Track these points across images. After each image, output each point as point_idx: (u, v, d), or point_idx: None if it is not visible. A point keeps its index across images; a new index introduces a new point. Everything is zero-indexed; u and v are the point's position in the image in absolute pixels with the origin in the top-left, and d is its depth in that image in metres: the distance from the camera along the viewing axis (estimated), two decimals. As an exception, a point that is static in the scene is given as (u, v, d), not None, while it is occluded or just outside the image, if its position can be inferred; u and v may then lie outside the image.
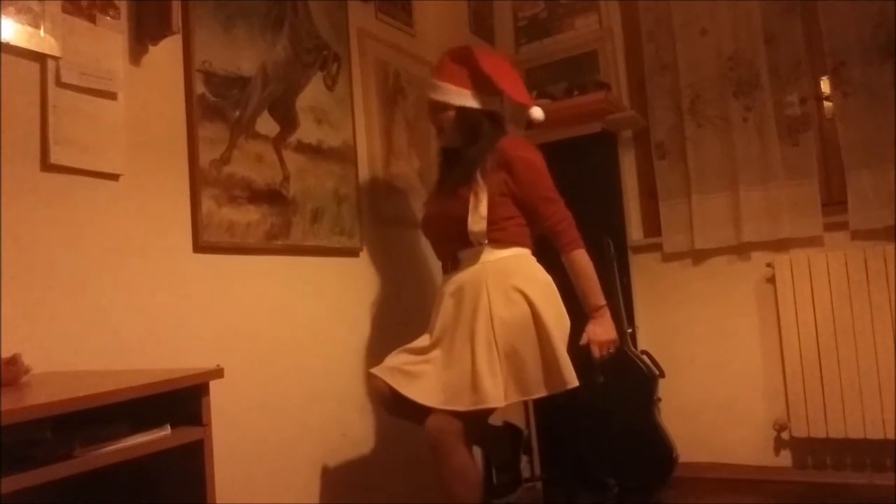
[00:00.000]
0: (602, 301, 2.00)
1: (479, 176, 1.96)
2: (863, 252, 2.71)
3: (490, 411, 1.87)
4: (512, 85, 2.05)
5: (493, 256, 1.96)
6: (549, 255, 2.01)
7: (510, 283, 1.90)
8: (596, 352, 1.97)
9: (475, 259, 1.97)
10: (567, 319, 1.95)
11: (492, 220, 1.94)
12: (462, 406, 1.81)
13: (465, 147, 2.02)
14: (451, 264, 2.05)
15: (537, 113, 2.09)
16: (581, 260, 1.98)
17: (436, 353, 1.94)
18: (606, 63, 3.33)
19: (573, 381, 1.82)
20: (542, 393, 1.85)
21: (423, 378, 1.89)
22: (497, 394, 1.80)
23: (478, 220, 1.93)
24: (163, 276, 1.76)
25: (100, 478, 1.15)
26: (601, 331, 1.98)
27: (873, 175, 2.73)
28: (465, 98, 2.00)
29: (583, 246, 1.99)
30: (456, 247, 2.01)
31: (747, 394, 3.00)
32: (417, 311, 2.56)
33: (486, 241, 1.95)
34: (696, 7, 3.07)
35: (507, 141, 2.02)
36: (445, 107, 2.02)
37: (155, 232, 1.75)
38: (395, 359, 1.98)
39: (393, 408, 1.97)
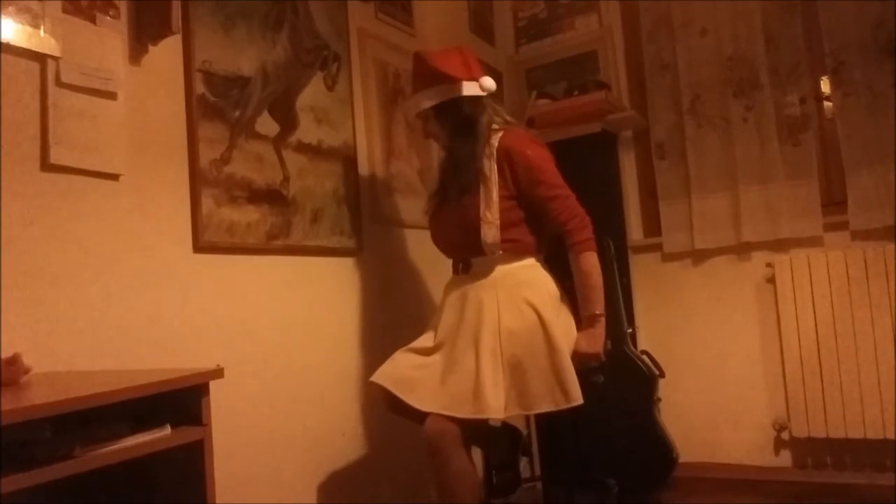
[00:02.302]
0: (599, 310, 1.92)
1: (482, 181, 1.93)
2: (863, 252, 2.71)
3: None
4: (452, 65, 1.99)
5: (508, 267, 1.94)
6: (562, 262, 1.99)
7: (521, 294, 1.90)
8: (576, 364, 1.87)
9: (488, 268, 1.96)
10: (576, 334, 1.93)
11: (503, 226, 1.92)
12: (462, 413, 1.80)
13: (454, 145, 2.01)
14: (463, 267, 2.03)
15: (487, 82, 2.01)
16: (587, 263, 1.91)
17: (438, 356, 1.94)
18: (606, 63, 3.32)
19: (578, 398, 1.78)
20: (544, 409, 1.81)
21: (424, 383, 1.88)
22: (497, 405, 1.79)
23: (490, 229, 1.91)
24: (163, 276, 1.75)
25: (100, 478, 1.15)
26: (586, 343, 1.91)
27: (873, 175, 2.73)
28: (430, 97, 2.00)
29: (594, 248, 1.93)
30: (469, 254, 2.00)
31: (747, 394, 3.00)
32: (417, 311, 2.57)
33: (501, 252, 1.94)
34: (696, 7, 3.07)
35: (509, 136, 1.97)
36: (426, 115, 2.05)
37: (155, 232, 1.75)
38: (398, 360, 1.97)
39: (395, 407, 1.97)
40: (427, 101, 2.00)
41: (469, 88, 1.97)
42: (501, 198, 1.92)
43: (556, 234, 1.98)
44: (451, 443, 1.80)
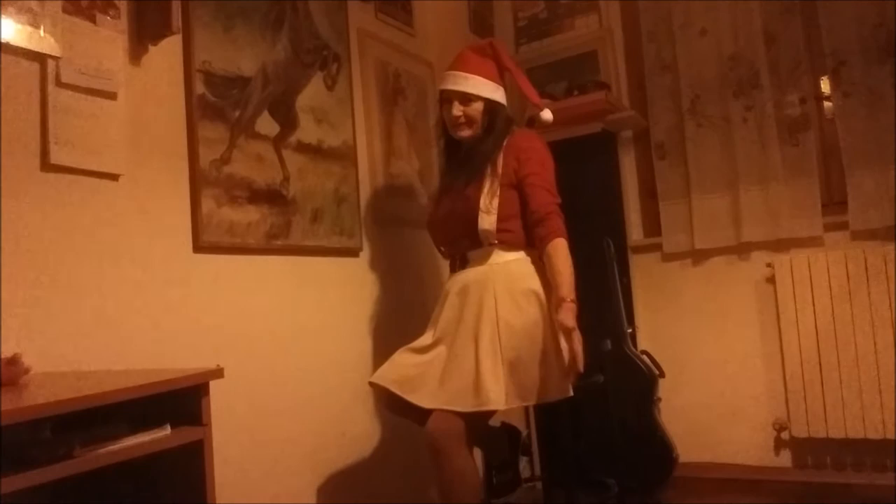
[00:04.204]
0: (571, 296, 1.81)
1: (489, 172, 1.97)
2: (863, 252, 2.71)
3: (491, 413, 1.87)
4: (528, 85, 2.12)
5: (502, 259, 1.96)
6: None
7: (517, 287, 1.91)
8: (567, 368, 1.76)
9: (484, 260, 1.97)
10: None
11: (500, 217, 1.94)
12: (464, 407, 1.81)
13: (479, 140, 2.03)
14: (459, 263, 2.05)
15: (547, 115, 2.12)
16: (561, 248, 1.86)
17: (437, 352, 1.94)
18: (606, 63, 3.32)
19: (568, 391, 1.82)
20: (540, 400, 1.85)
21: (424, 380, 1.89)
22: (499, 396, 1.80)
23: (488, 217, 1.93)
24: (163, 276, 1.75)
25: (100, 478, 1.15)
26: (566, 317, 1.76)
27: (873, 175, 2.73)
28: (494, 91, 2.04)
29: (566, 238, 1.88)
30: (465, 246, 2.01)
31: (747, 394, 3.00)
32: (417, 311, 2.57)
33: (496, 242, 1.95)
34: (696, 7, 3.07)
35: (521, 135, 2.05)
36: (476, 99, 2.02)
37: (155, 232, 1.75)
38: (397, 360, 1.97)
39: (396, 408, 1.97)
40: (488, 92, 2.03)
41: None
42: (503, 186, 1.95)
43: (530, 225, 1.92)
44: (454, 442, 1.80)
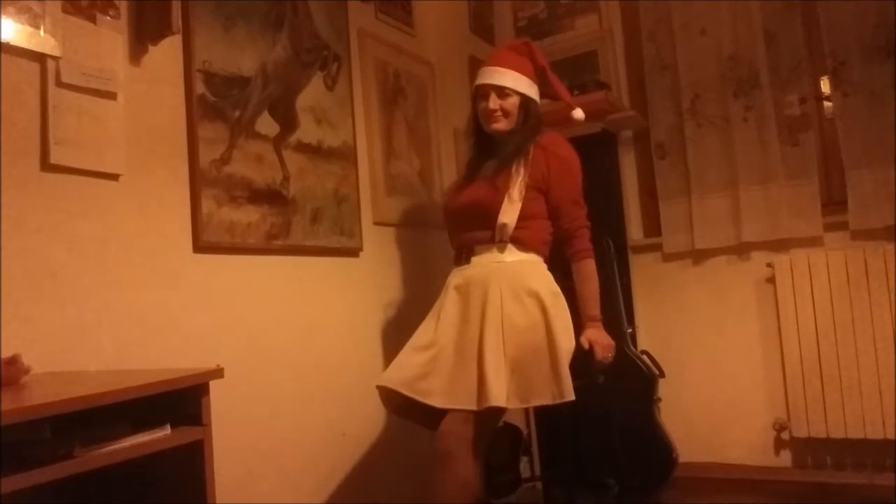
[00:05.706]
0: (599, 314, 2.04)
1: (521, 166, 1.99)
2: (863, 252, 2.71)
3: (499, 418, 1.87)
4: (560, 84, 2.18)
5: (510, 258, 1.97)
6: (563, 265, 2.05)
7: (522, 287, 1.91)
8: (599, 353, 1.97)
9: (492, 256, 1.98)
10: (572, 332, 1.94)
11: (521, 215, 1.96)
12: (469, 406, 1.81)
13: (512, 133, 2.05)
14: (465, 257, 2.04)
15: (579, 114, 2.16)
16: (591, 268, 2.04)
17: (441, 348, 1.93)
18: (606, 63, 3.33)
19: (570, 394, 1.82)
20: (541, 402, 1.85)
21: (431, 381, 1.88)
22: (499, 393, 1.80)
23: (511, 209, 1.95)
24: (163, 276, 1.75)
25: (100, 478, 1.15)
26: (601, 335, 2.01)
27: (873, 175, 2.73)
28: (529, 88, 2.08)
29: (594, 257, 2.05)
30: (476, 239, 2.02)
31: (747, 394, 3.00)
32: (418, 311, 2.56)
33: (509, 239, 1.96)
34: (696, 7, 3.07)
35: (551, 137, 2.07)
36: (512, 93, 2.05)
37: (155, 232, 1.75)
38: (403, 362, 1.95)
39: (404, 410, 1.96)
40: (524, 87, 2.06)
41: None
42: (528, 187, 1.98)
43: (559, 237, 2.05)
44: (465, 448, 1.81)
